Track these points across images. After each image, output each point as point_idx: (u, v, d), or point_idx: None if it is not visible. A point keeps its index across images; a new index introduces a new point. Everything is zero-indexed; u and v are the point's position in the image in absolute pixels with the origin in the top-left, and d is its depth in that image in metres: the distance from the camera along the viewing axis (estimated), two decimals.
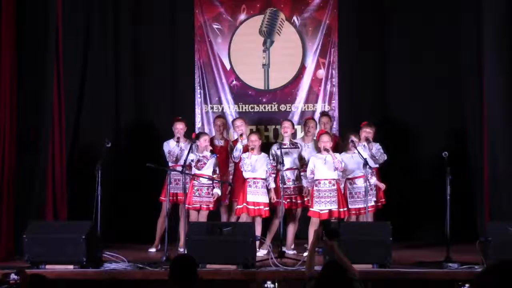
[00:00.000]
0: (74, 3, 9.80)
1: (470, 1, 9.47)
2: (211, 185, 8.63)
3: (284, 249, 8.22)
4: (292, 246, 8.79)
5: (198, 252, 7.06)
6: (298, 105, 10.10)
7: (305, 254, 8.12)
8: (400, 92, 9.98)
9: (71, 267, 7.40)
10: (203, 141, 8.62)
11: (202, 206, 8.58)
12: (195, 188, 8.55)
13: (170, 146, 8.95)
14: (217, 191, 8.67)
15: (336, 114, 10.04)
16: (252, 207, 8.46)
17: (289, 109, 10.11)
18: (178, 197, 8.88)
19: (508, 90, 8.70)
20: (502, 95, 8.75)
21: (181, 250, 8.47)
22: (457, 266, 7.38)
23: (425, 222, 9.63)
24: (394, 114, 10.02)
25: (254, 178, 8.51)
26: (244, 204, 8.47)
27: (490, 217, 8.66)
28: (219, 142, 9.21)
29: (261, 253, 8.25)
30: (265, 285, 6.81)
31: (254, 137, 8.58)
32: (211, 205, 8.67)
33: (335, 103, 10.04)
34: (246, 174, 8.55)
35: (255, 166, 8.48)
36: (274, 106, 10.15)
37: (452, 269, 7.31)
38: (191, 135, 8.92)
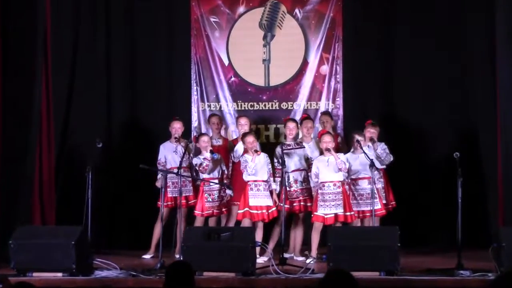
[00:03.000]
0: None
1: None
2: (223, 188, 8.65)
3: (286, 255, 8.05)
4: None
5: (195, 259, 6.90)
6: (301, 103, 10.02)
7: (308, 260, 8.08)
8: (408, 90, 9.89)
9: (59, 274, 7.28)
10: (202, 142, 8.60)
11: (214, 211, 8.61)
12: (206, 193, 8.53)
13: (165, 149, 8.82)
14: (230, 192, 8.70)
15: (340, 112, 9.97)
16: (255, 211, 8.29)
17: (290, 107, 10.04)
18: (178, 201, 8.77)
19: None
20: None
21: (177, 256, 8.34)
22: (469, 274, 7.22)
23: (435, 227, 9.58)
24: (401, 112, 9.94)
25: (255, 181, 8.33)
26: (247, 208, 8.30)
27: (504, 222, 8.56)
28: (217, 142, 9.10)
29: (261, 260, 8.11)
30: None
31: (251, 139, 8.38)
32: (224, 209, 8.70)
33: (339, 100, 9.97)
34: (247, 177, 8.37)
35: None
36: (275, 104, 10.06)
37: (464, 277, 7.15)
38: (190, 138, 8.89)
